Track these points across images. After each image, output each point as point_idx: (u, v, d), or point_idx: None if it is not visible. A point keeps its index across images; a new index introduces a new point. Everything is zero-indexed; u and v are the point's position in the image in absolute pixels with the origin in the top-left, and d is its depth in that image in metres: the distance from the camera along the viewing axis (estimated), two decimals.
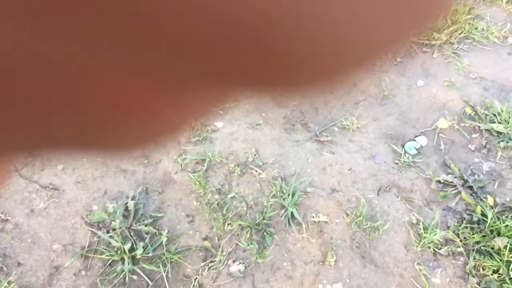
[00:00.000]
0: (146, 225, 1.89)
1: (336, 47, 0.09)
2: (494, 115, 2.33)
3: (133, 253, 1.81)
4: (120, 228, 1.86)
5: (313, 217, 1.95)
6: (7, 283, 1.70)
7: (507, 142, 2.22)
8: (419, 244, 1.89)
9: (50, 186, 1.96)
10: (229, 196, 2.00)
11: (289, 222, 1.93)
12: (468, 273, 1.83)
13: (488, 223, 1.91)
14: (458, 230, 1.93)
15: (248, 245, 1.87)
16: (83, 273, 1.78)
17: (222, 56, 0.09)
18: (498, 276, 1.80)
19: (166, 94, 0.10)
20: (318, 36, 0.09)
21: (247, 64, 0.09)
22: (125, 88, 0.10)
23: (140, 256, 1.81)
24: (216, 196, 2.01)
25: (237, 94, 0.11)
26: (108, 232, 1.87)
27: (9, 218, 1.86)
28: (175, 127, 0.12)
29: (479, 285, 1.80)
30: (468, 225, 1.95)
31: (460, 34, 2.75)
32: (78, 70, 0.09)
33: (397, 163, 2.15)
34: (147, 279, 1.78)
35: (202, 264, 1.84)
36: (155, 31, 0.08)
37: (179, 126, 0.12)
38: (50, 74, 0.09)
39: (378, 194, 2.04)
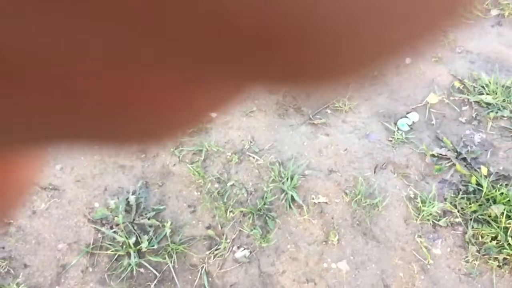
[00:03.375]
0: (149, 218, 1.90)
1: (356, 40, 0.09)
2: (482, 87, 2.37)
3: (138, 247, 1.83)
4: (123, 223, 1.87)
5: (313, 198, 1.98)
6: (16, 285, 1.71)
7: (497, 113, 2.27)
8: (418, 217, 1.93)
9: (50, 187, 1.97)
10: (228, 184, 2.02)
11: (289, 205, 1.96)
12: (467, 242, 1.88)
13: (483, 192, 1.96)
14: (455, 201, 1.98)
15: (251, 230, 1.90)
16: (91, 269, 1.80)
17: (233, 50, 0.09)
18: (496, 243, 1.85)
19: (172, 88, 0.10)
20: (340, 28, 0.09)
21: (260, 59, 0.09)
22: (132, 83, 0.10)
23: (146, 249, 1.83)
24: (216, 185, 2.02)
25: (248, 89, 0.11)
26: (111, 227, 1.88)
27: (11, 221, 1.87)
28: (180, 123, 0.12)
29: (479, 253, 1.85)
30: (465, 195, 1.99)
31: None
32: (78, 63, 0.09)
33: (391, 141, 2.19)
34: (154, 271, 1.80)
35: (208, 252, 1.86)
36: (158, 24, 0.08)
37: (184, 122, 0.12)
38: (53, 67, 0.09)
39: (374, 172, 2.08)
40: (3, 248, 1.81)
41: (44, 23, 0.08)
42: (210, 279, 1.80)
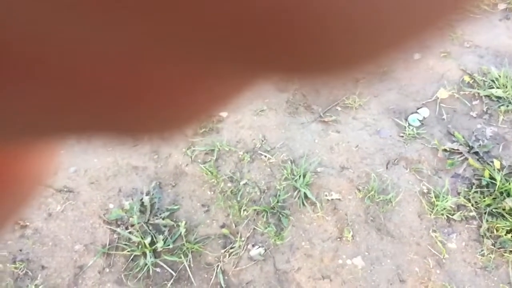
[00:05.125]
0: (163, 218, 1.91)
1: (363, 35, 0.09)
2: (492, 80, 2.37)
3: (154, 247, 1.84)
4: (138, 223, 1.88)
5: (326, 195, 1.99)
6: (34, 286, 1.73)
7: (508, 106, 2.26)
8: (432, 212, 1.93)
9: (65, 189, 1.98)
10: (241, 183, 2.03)
11: (303, 202, 1.96)
12: (482, 236, 1.87)
13: (497, 185, 1.95)
14: (469, 195, 1.97)
15: (266, 228, 1.90)
16: (107, 270, 1.81)
17: (241, 46, 0.09)
18: None
19: (181, 85, 0.10)
20: (321, 19, 0.08)
21: (268, 54, 0.09)
22: (137, 80, 0.10)
23: (161, 249, 1.84)
24: (229, 184, 2.03)
25: (257, 85, 0.11)
26: (127, 228, 1.89)
27: (28, 223, 1.89)
28: (181, 121, 0.12)
29: (494, 246, 1.85)
30: (478, 189, 1.99)
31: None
32: (88, 60, 0.09)
33: (402, 136, 2.19)
34: (170, 270, 1.81)
35: (223, 251, 1.87)
36: (165, 22, 0.08)
37: (185, 120, 0.12)
38: (70, 61, 0.09)
39: (387, 167, 2.08)
40: (21, 250, 1.83)
41: (59, 18, 0.08)
42: (226, 277, 1.81)
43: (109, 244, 1.86)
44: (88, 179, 2.02)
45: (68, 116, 0.11)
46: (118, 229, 1.89)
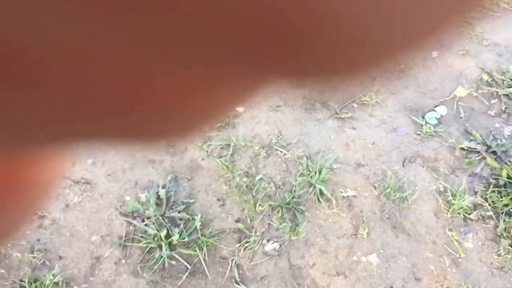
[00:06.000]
0: (179, 212, 1.92)
1: (380, 32, 0.09)
2: (511, 79, 2.34)
3: (169, 239, 1.85)
4: (154, 216, 1.90)
5: (342, 192, 1.98)
6: (52, 276, 1.75)
7: None
8: (448, 210, 1.92)
9: (82, 181, 2.00)
10: (257, 178, 2.03)
11: (318, 199, 1.96)
12: (499, 236, 1.86)
13: None
14: (486, 195, 1.96)
15: (281, 224, 1.91)
16: (123, 261, 1.83)
17: (256, 43, 0.09)
18: None
19: (195, 84, 0.10)
20: (337, 17, 0.08)
21: (264, 49, 0.09)
22: (155, 77, 0.10)
23: (177, 242, 1.85)
24: (244, 179, 2.04)
25: (269, 83, 0.11)
26: (143, 220, 1.91)
27: (46, 214, 1.91)
28: (199, 117, 0.12)
29: (511, 247, 1.83)
30: (495, 189, 1.97)
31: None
32: (105, 60, 0.09)
33: (419, 134, 2.17)
34: (185, 263, 1.82)
35: (238, 245, 1.87)
36: (181, 19, 0.08)
37: (208, 116, 0.12)
38: (80, 64, 0.09)
39: (403, 165, 2.07)
40: (39, 240, 1.85)
41: (72, 18, 0.08)
42: (240, 271, 1.82)
43: (125, 236, 1.88)
44: (105, 171, 2.04)
45: (82, 118, 0.11)
46: (134, 221, 1.90)
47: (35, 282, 1.74)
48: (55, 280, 1.74)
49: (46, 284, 1.73)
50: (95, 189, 1.99)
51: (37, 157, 0.15)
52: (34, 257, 1.81)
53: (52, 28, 0.08)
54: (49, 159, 0.16)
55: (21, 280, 1.75)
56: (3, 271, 1.76)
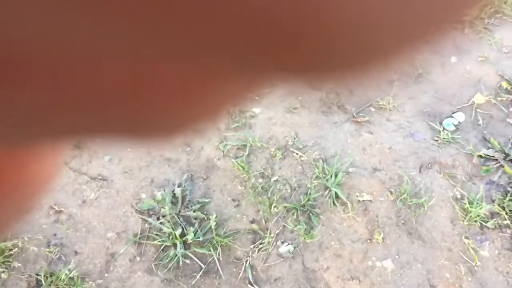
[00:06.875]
0: (194, 211, 1.93)
1: (373, 31, 0.09)
2: None
3: (184, 238, 1.86)
4: (169, 214, 1.90)
5: (357, 196, 1.98)
6: (68, 271, 1.76)
7: None
8: (465, 218, 1.90)
9: (99, 177, 2.02)
10: (272, 180, 2.03)
11: (333, 202, 1.96)
12: None
13: None
14: (503, 203, 1.94)
15: (295, 226, 1.90)
16: (138, 259, 1.84)
17: (256, 41, 0.09)
18: None
19: (203, 80, 0.10)
20: (355, 18, 0.08)
21: (281, 49, 0.09)
22: (163, 75, 0.10)
23: (191, 241, 1.86)
24: (260, 180, 2.04)
25: (272, 79, 0.11)
26: (158, 218, 1.92)
27: (62, 209, 1.92)
28: (213, 113, 0.12)
29: None
30: None
31: (490, 9, 2.73)
32: (114, 58, 0.09)
33: (436, 140, 2.16)
34: (199, 262, 1.83)
35: (252, 246, 1.87)
36: (189, 16, 0.08)
37: (217, 112, 0.12)
38: (91, 62, 0.09)
39: (420, 171, 2.06)
40: (55, 235, 1.87)
41: (74, 16, 0.08)
42: (254, 272, 1.82)
43: (140, 233, 1.89)
44: (122, 168, 2.05)
45: (89, 118, 0.11)
46: (150, 219, 1.91)
47: (51, 276, 1.76)
48: (71, 275, 1.75)
49: (62, 278, 1.74)
50: (111, 186, 2.00)
51: (34, 153, 0.15)
52: (50, 252, 1.82)
53: (53, 27, 0.08)
54: (46, 156, 0.16)
55: (37, 274, 1.76)
56: (19, 264, 1.78)
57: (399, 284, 1.77)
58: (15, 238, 1.82)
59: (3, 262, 1.77)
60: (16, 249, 1.81)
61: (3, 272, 1.75)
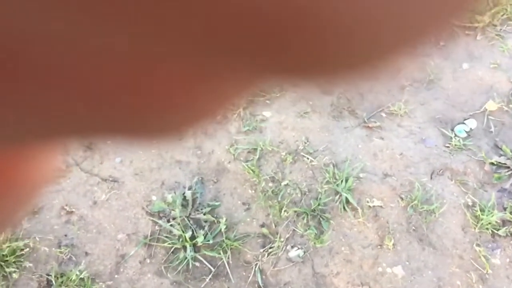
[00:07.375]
0: (204, 214, 1.93)
1: (375, 31, 0.09)
2: None
3: (194, 241, 1.86)
4: (180, 217, 1.91)
5: (368, 202, 1.97)
6: (78, 271, 1.77)
7: None
8: (476, 225, 1.89)
9: (110, 179, 2.03)
10: (283, 184, 2.03)
11: (344, 207, 1.95)
12: None
13: None
14: None
15: (305, 230, 1.90)
16: (148, 261, 1.84)
17: (260, 42, 0.09)
18: None
19: (203, 79, 0.10)
20: (356, 20, 0.08)
21: (283, 51, 0.09)
22: (163, 74, 0.10)
23: (201, 244, 1.86)
24: (270, 184, 2.04)
25: (283, 83, 0.11)
26: (168, 221, 1.92)
27: (74, 210, 1.93)
28: (211, 112, 0.12)
29: None
30: None
31: (502, 16, 2.72)
32: (118, 57, 0.09)
33: (448, 147, 2.15)
34: (209, 265, 1.83)
35: (262, 250, 1.87)
36: (192, 14, 0.08)
37: (215, 111, 0.12)
38: (92, 63, 0.09)
39: (431, 177, 2.05)
40: (66, 235, 1.88)
41: (74, 16, 0.08)
42: (263, 276, 1.82)
43: (150, 235, 1.89)
44: (133, 170, 2.06)
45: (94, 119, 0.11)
46: (160, 221, 1.92)
47: (61, 276, 1.77)
48: (81, 276, 1.76)
49: (72, 279, 1.75)
50: (122, 188, 2.01)
51: (31, 153, 0.15)
52: (61, 252, 1.83)
53: (54, 27, 0.08)
54: (43, 156, 0.16)
55: (48, 274, 1.77)
56: (31, 264, 1.79)
57: None
58: (27, 238, 1.83)
59: (14, 262, 1.78)
60: (28, 249, 1.82)
61: (14, 272, 1.76)
